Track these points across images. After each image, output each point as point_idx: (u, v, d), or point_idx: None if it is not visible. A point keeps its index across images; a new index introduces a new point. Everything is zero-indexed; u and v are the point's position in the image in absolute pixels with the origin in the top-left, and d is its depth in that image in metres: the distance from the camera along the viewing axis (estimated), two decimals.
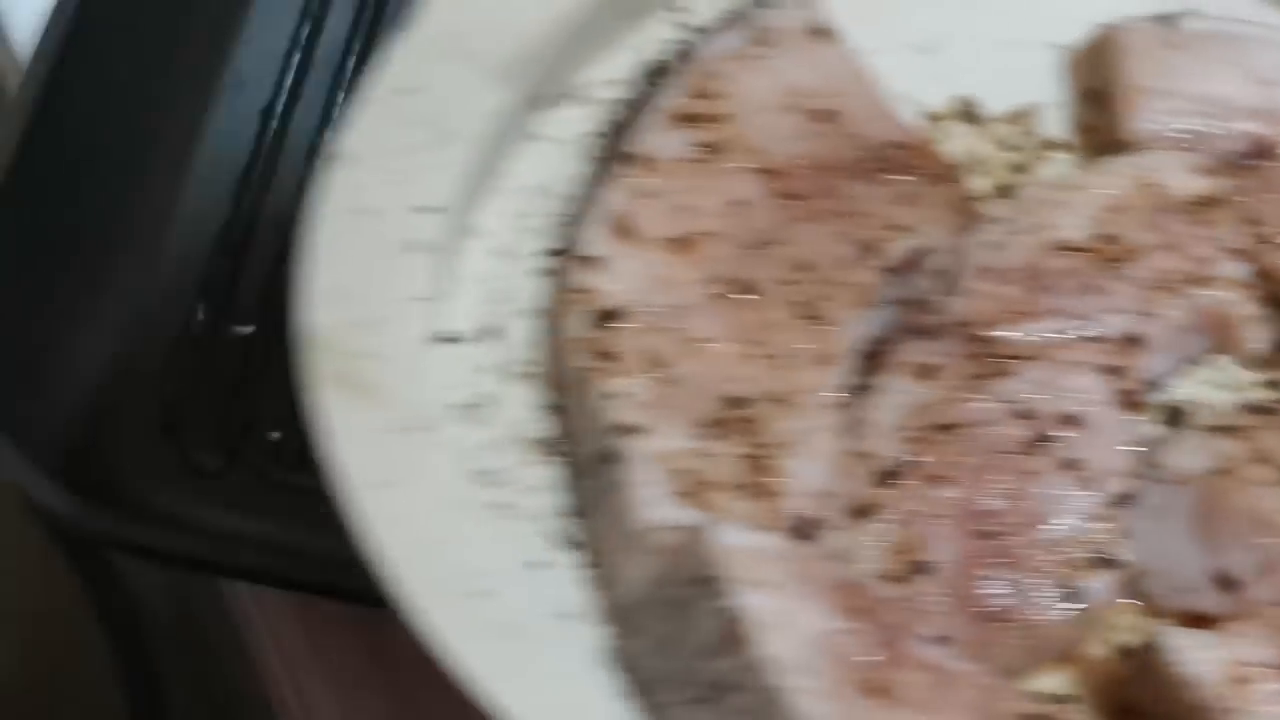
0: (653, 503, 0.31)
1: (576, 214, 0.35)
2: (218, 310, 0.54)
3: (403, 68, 0.34)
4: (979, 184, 0.38)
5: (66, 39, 0.53)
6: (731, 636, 0.29)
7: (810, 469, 0.32)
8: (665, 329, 0.33)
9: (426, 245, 0.32)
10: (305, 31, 0.60)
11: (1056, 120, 0.40)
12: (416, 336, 0.31)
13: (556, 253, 0.35)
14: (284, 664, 0.53)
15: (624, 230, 0.34)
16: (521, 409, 0.33)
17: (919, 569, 0.32)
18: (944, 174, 0.37)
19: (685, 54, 0.36)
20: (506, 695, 0.28)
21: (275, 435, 0.52)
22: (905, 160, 0.36)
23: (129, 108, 0.56)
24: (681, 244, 0.34)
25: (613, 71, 0.36)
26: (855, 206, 0.35)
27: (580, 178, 0.35)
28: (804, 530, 0.32)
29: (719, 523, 0.31)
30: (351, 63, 0.59)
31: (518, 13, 0.35)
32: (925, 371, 0.34)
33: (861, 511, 0.33)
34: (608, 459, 0.31)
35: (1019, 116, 0.40)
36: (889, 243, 0.35)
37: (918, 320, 0.35)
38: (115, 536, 0.46)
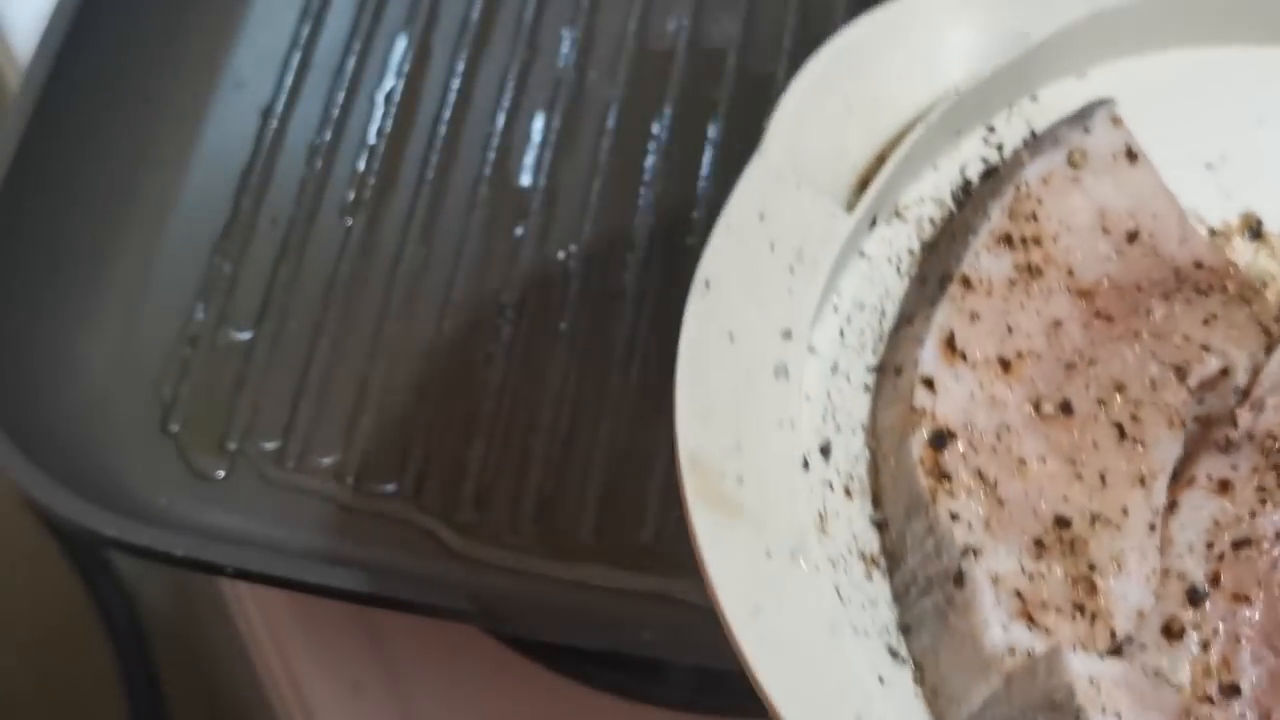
0: (998, 624, 0.33)
1: (899, 331, 0.37)
2: (218, 311, 0.54)
3: (756, 195, 0.35)
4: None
5: (66, 39, 0.53)
6: None
7: (1130, 589, 0.34)
8: (993, 449, 0.34)
9: (788, 369, 0.34)
10: (305, 31, 0.60)
11: None
12: (781, 459, 0.33)
13: (880, 369, 0.36)
14: (284, 664, 0.53)
15: (954, 352, 0.35)
16: (855, 523, 0.34)
17: (1229, 692, 0.33)
18: (1246, 293, 0.38)
19: (996, 172, 0.39)
20: None
21: (272, 445, 0.52)
22: (1209, 280, 0.37)
23: (129, 108, 0.56)
24: (1005, 365, 0.36)
25: (930, 190, 0.38)
26: (1163, 327, 0.36)
27: (900, 294, 0.37)
28: (1127, 650, 0.34)
29: (1065, 648, 0.32)
30: (352, 63, 0.59)
31: (853, 141, 0.37)
32: (1222, 486, 0.35)
33: (1173, 632, 0.34)
34: (956, 579, 0.33)
35: None
36: (1196, 363, 0.36)
37: (1215, 435, 0.36)
38: (115, 536, 0.46)
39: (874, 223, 0.37)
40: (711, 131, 0.58)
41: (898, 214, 0.38)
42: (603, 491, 0.51)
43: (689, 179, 0.57)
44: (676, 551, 0.50)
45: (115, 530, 0.46)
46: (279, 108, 0.58)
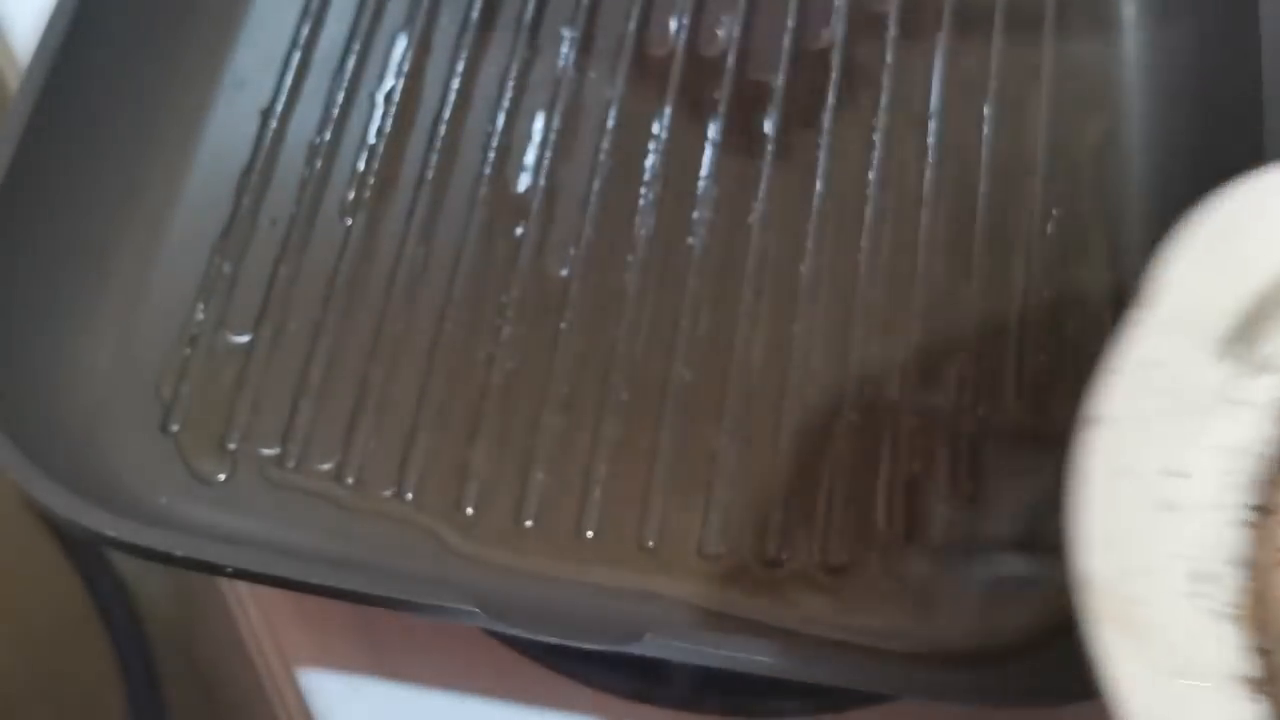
0: None
1: (1274, 473, 0.39)
2: (218, 311, 0.54)
3: (1145, 343, 0.39)
4: None
5: (66, 39, 0.53)
6: None
7: None
8: None
9: (1171, 504, 0.37)
10: (305, 31, 0.60)
11: None
12: (1170, 586, 0.36)
13: (1258, 509, 0.39)
14: (284, 664, 0.53)
15: None
16: (1237, 648, 0.37)
17: None
18: None
19: None
20: None
21: (272, 445, 0.52)
22: None
23: (129, 108, 0.56)
24: None
25: None
26: None
27: (1273, 439, 0.39)
28: None
29: None
30: (352, 63, 0.59)
31: (1229, 298, 0.40)
32: None
33: None
34: None
35: None
36: None
37: None
38: (115, 536, 0.46)
39: (1253, 372, 0.40)
40: (711, 131, 0.58)
41: (1268, 365, 0.40)
42: (603, 491, 0.51)
43: (689, 179, 0.57)
44: (676, 551, 0.50)
45: (115, 530, 0.46)
46: (279, 108, 0.58)
